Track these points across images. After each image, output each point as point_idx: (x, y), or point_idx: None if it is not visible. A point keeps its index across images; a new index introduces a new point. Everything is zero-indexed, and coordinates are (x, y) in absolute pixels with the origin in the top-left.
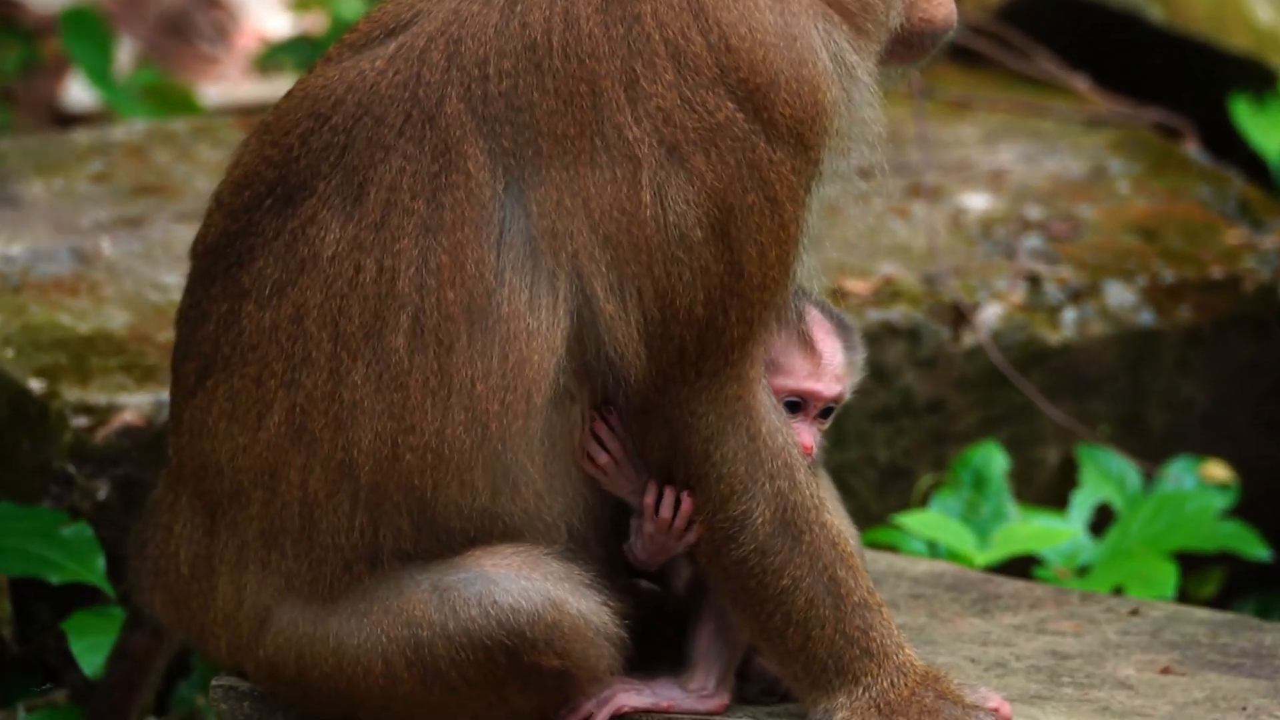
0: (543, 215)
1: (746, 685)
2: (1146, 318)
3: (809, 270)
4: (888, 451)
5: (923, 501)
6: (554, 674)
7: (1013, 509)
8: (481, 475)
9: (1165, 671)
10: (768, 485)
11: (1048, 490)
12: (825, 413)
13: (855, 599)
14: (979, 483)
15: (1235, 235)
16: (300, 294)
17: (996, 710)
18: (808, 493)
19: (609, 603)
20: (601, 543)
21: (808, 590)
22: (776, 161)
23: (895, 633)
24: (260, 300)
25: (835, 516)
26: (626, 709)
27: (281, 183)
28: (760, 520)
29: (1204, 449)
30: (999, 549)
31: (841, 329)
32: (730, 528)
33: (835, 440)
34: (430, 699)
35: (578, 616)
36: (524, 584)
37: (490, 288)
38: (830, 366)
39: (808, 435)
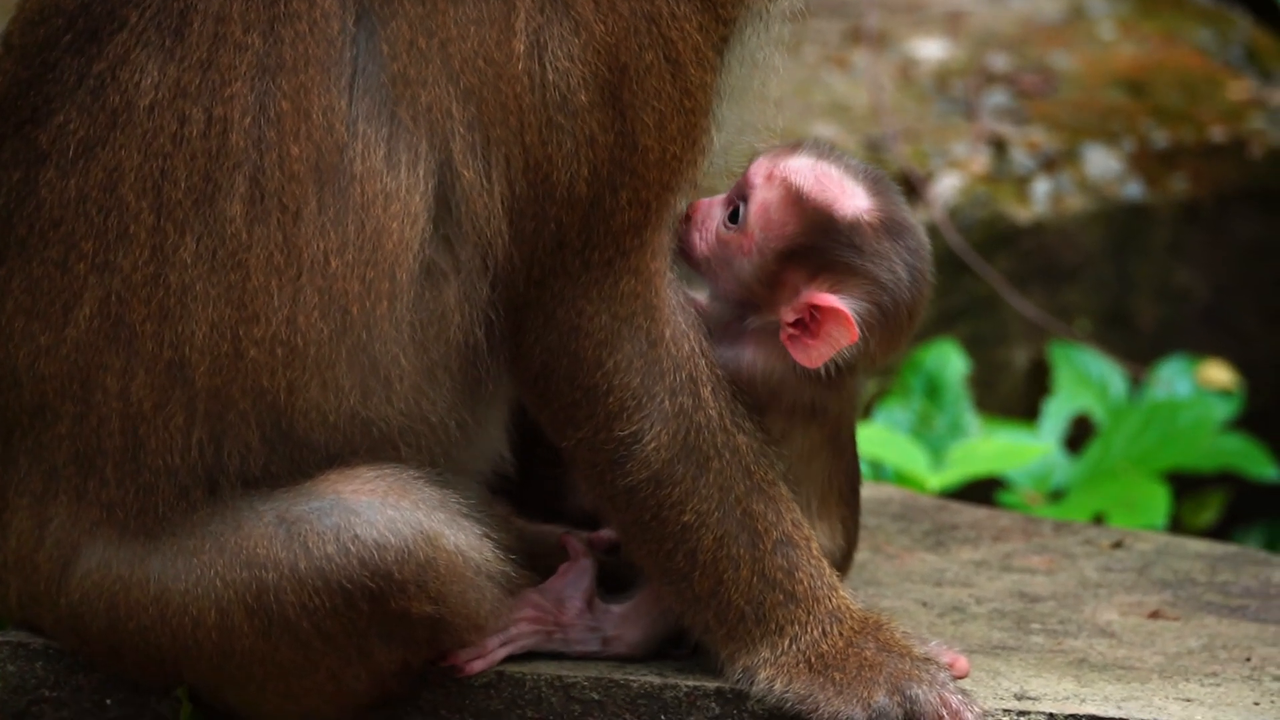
0: (393, 57)
1: None
2: (1134, 190)
3: (725, 147)
4: None
5: (866, 413)
6: (426, 622)
7: (973, 421)
8: (346, 371)
9: (1154, 615)
10: (666, 402)
11: (1015, 399)
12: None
13: (776, 535)
14: (933, 390)
15: (1240, 89)
16: (113, 154)
17: (952, 665)
18: (716, 411)
19: (491, 534)
20: (507, 448)
21: (716, 526)
22: (680, 16)
23: (827, 572)
24: (63, 165)
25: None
26: (528, 649)
27: (84, 13)
28: (654, 444)
29: (1202, 348)
30: (957, 470)
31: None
32: (616, 450)
33: None
34: (276, 655)
35: (455, 553)
36: (391, 514)
37: (341, 141)
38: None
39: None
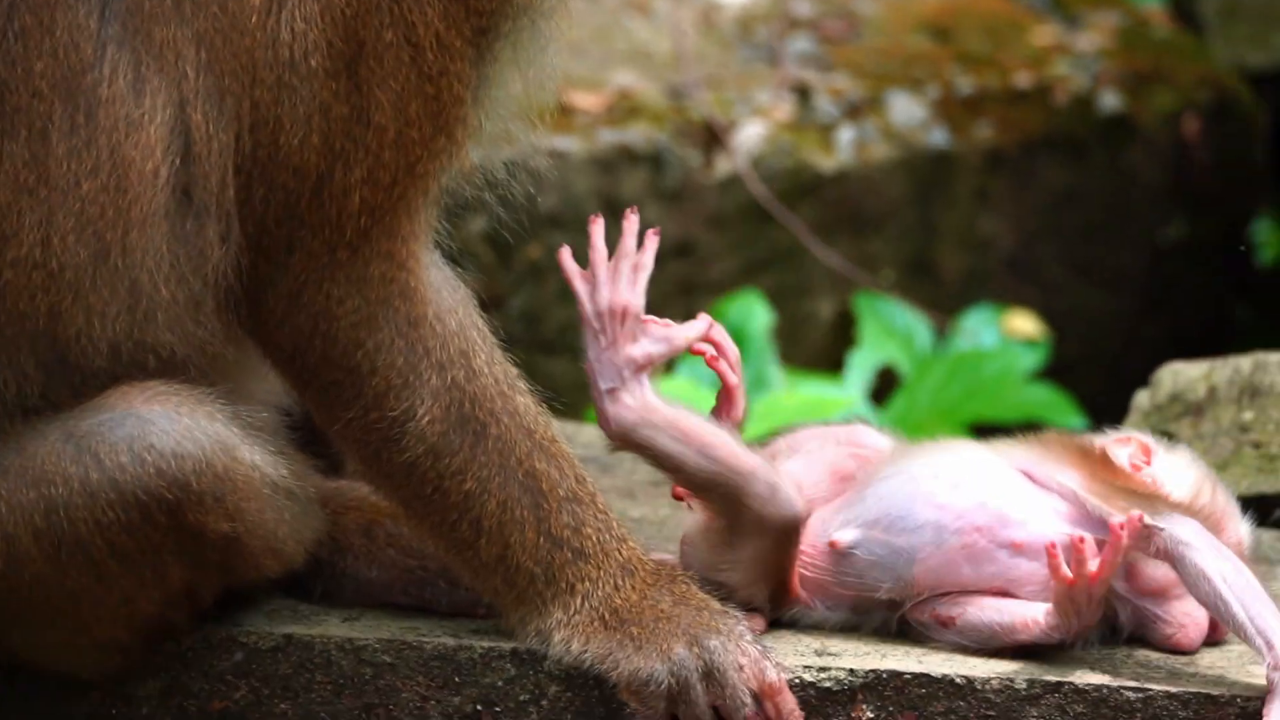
0: None
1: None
2: (938, 138)
3: (496, 134)
4: None
5: (668, 367)
6: (222, 541)
7: (778, 374)
8: (108, 297)
9: None
10: (435, 378)
11: (820, 351)
12: None
13: (561, 493)
14: (737, 342)
15: (1045, 34)
16: None
17: (750, 620)
18: (491, 379)
19: (286, 451)
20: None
21: (499, 491)
22: (424, 1)
23: (615, 526)
24: None
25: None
26: None
27: None
28: (427, 419)
29: (1007, 297)
30: (761, 423)
31: None
32: (390, 429)
33: (560, 293)
34: (66, 581)
35: (251, 467)
36: (187, 424)
37: (87, 62)
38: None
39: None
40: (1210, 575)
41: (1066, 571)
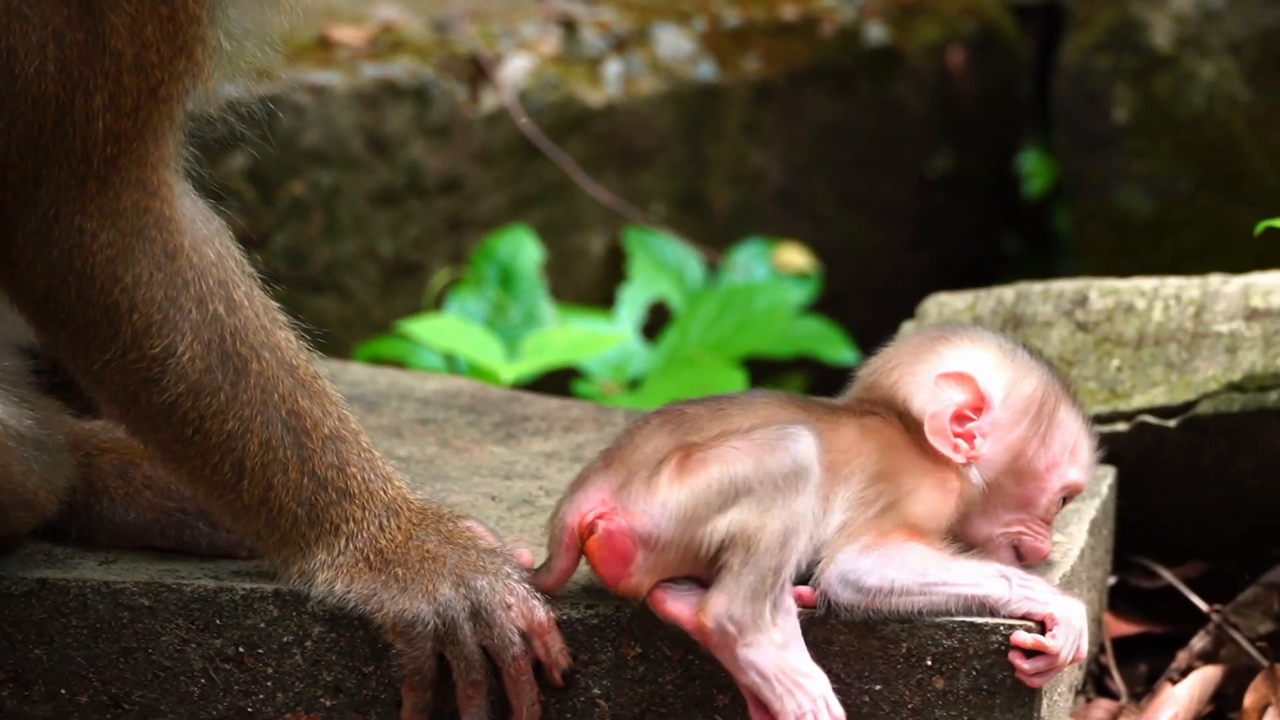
0: None
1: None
2: (706, 70)
3: (250, 66)
4: (392, 242)
5: (437, 304)
6: None
7: (549, 310)
8: None
9: None
10: (195, 312)
11: (592, 286)
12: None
13: (325, 431)
14: (507, 279)
15: None
16: None
17: (518, 558)
18: (251, 312)
19: (30, 399)
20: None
21: (262, 430)
22: None
23: (380, 465)
24: None
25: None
26: None
27: None
28: (188, 355)
29: (778, 231)
30: (532, 360)
31: None
32: (150, 368)
33: (326, 230)
34: None
35: None
36: None
37: None
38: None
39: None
40: (892, 590)
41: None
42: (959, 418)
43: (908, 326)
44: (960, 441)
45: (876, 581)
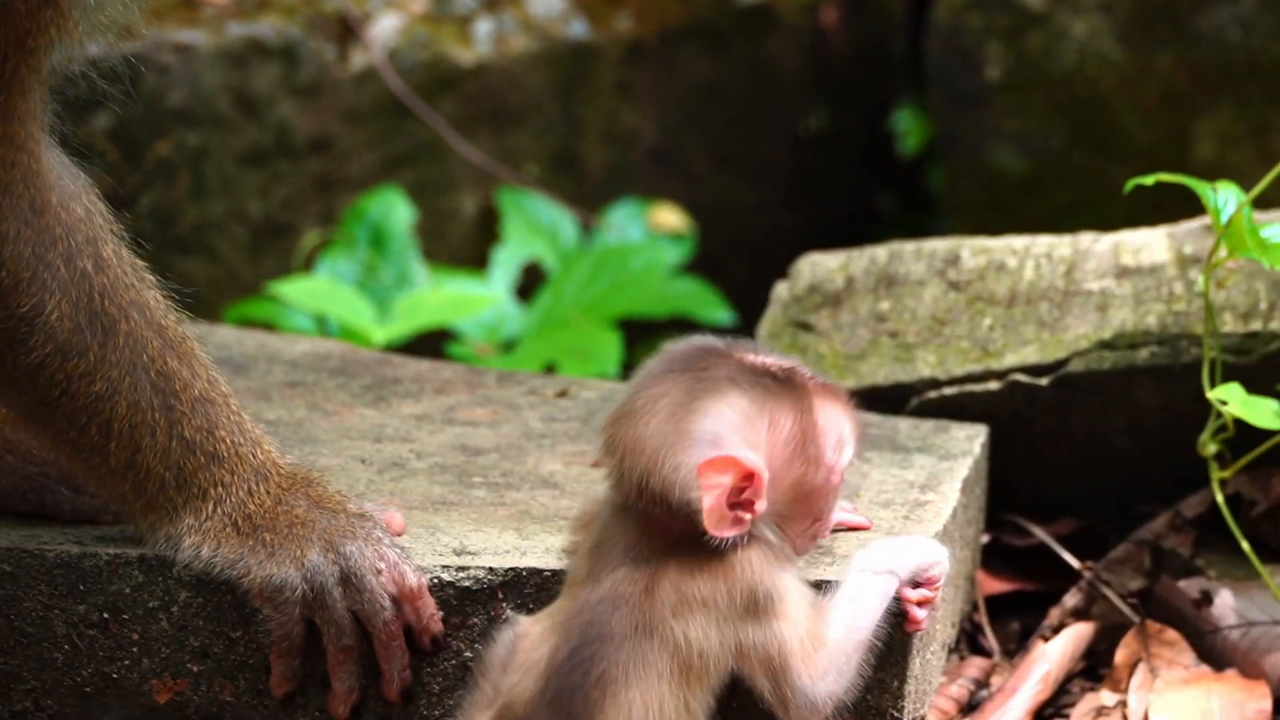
0: None
1: (55, 499)
2: (578, 29)
3: (113, 22)
4: (261, 203)
5: (307, 265)
6: None
7: (421, 272)
8: None
9: (598, 465)
10: (63, 269)
11: (465, 247)
12: None
13: (194, 393)
14: (378, 240)
15: None
16: None
17: (388, 522)
18: (120, 270)
19: None
20: None
21: (130, 392)
22: None
23: (250, 429)
24: None
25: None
26: None
27: None
28: (56, 314)
29: (652, 191)
30: (404, 322)
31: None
32: (17, 328)
33: (194, 191)
34: None
35: None
36: None
37: None
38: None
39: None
40: (847, 671)
41: None
42: (733, 500)
43: (780, 287)
44: (741, 513)
45: (835, 685)
